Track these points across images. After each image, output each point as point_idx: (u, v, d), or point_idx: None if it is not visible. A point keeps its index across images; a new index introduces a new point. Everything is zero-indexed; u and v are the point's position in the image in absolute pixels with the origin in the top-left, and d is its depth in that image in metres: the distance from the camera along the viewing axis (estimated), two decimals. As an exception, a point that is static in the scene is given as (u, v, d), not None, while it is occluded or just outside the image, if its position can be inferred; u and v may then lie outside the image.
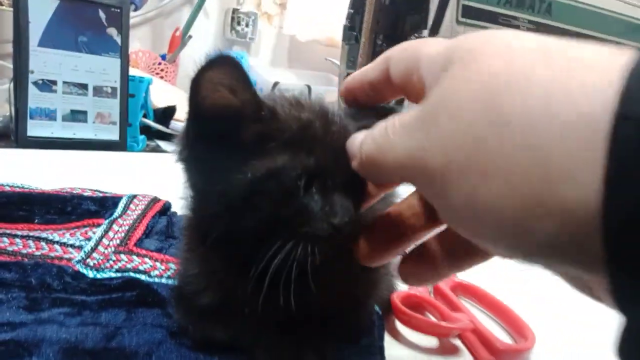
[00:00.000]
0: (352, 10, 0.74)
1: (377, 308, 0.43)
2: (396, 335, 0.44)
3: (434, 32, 0.56)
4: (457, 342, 0.44)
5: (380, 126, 0.26)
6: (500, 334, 0.45)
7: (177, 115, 1.38)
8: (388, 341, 0.42)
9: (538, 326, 0.45)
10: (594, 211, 0.16)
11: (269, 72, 1.88)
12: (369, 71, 0.31)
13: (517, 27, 0.60)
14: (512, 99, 0.19)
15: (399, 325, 0.45)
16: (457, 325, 0.43)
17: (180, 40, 1.69)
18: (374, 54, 0.62)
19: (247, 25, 1.94)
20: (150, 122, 1.32)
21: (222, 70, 0.29)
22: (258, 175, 0.30)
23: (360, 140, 0.28)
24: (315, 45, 2.03)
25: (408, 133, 0.23)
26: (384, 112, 0.31)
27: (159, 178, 0.65)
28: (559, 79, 0.18)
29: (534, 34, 0.21)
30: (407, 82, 0.28)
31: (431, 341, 0.44)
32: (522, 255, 0.20)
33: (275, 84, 1.74)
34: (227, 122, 0.31)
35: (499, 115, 0.19)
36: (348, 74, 0.72)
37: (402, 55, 0.28)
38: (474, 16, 0.60)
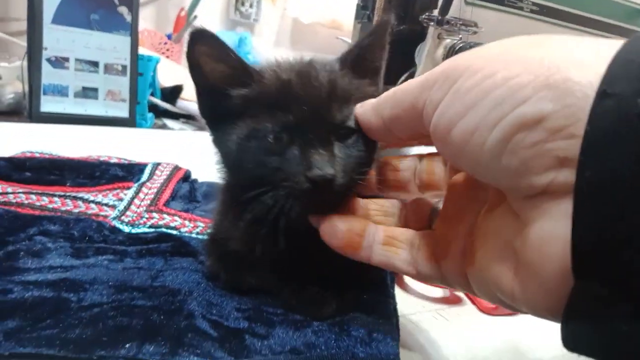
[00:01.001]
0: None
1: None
2: (405, 288, 0.49)
3: (443, 12, 0.59)
4: (461, 294, 0.48)
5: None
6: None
7: (183, 94, 1.41)
8: (397, 292, 0.47)
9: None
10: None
11: (272, 53, 1.90)
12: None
13: (521, 8, 0.63)
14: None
15: (407, 279, 0.50)
16: (461, 277, 0.47)
17: (185, 21, 1.70)
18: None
19: (251, 6, 1.96)
20: (158, 101, 1.35)
21: (205, 42, 0.34)
22: (242, 136, 0.35)
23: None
24: (318, 27, 2.05)
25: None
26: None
27: (169, 154, 0.69)
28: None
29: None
30: None
31: (437, 292, 0.48)
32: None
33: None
34: (222, 89, 0.35)
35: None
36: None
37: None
38: (482, -3, 0.64)
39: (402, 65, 0.66)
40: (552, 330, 0.44)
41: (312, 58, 0.38)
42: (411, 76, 0.64)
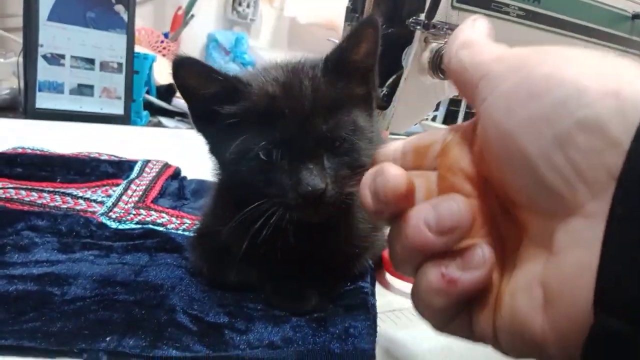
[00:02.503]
0: (354, -7, 0.79)
1: (370, 262, 0.49)
2: (386, 285, 0.50)
3: (430, 16, 0.60)
4: (441, 293, 0.49)
5: None
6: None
7: (178, 93, 1.41)
8: (378, 290, 0.48)
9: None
10: None
11: (268, 53, 1.91)
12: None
13: (507, 13, 0.64)
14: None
15: (389, 277, 0.51)
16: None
17: (182, 19, 1.71)
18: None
19: (248, 6, 1.96)
20: (153, 99, 1.36)
21: (188, 68, 0.36)
22: (233, 156, 0.36)
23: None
24: (315, 27, 2.05)
25: None
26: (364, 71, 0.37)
27: (162, 151, 0.70)
28: None
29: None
30: None
31: (417, 290, 0.49)
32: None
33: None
34: (212, 108, 0.36)
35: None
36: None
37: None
38: (468, 2, 0.65)
39: (390, 68, 0.67)
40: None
41: (300, 61, 0.39)
42: (398, 79, 0.65)
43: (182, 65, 0.36)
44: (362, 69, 0.38)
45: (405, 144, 0.30)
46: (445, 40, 0.61)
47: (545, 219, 0.23)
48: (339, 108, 0.36)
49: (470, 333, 0.27)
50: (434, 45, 0.62)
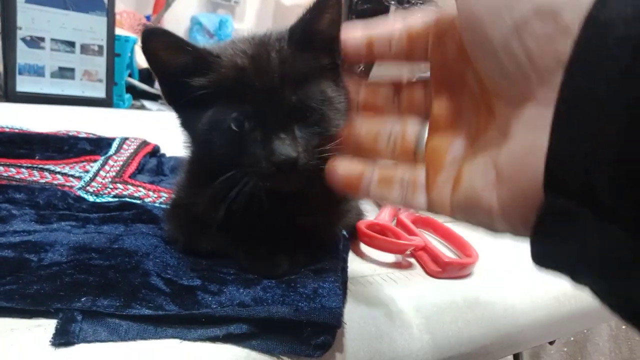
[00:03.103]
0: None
1: (344, 232, 0.50)
2: (360, 254, 0.51)
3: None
4: (411, 260, 0.51)
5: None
6: (449, 253, 0.52)
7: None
8: (352, 258, 0.49)
9: (484, 251, 0.52)
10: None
11: (253, 36, 1.90)
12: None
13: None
14: None
15: (363, 247, 0.52)
16: (410, 243, 0.50)
17: (164, 2, 1.70)
18: (349, 11, 0.67)
19: (231, -11, 1.95)
20: (135, 82, 1.36)
21: (157, 40, 0.36)
22: (205, 125, 0.37)
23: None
24: (299, 9, 2.04)
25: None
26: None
27: (145, 133, 0.70)
28: None
29: None
30: None
31: (389, 258, 0.51)
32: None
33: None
34: (182, 79, 0.37)
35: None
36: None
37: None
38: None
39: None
40: (493, 290, 0.47)
41: (266, 33, 0.40)
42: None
43: (152, 37, 0.36)
44: (327, 39, 0.39)
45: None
46: (418, 15, 0.62)
47: (506, 106, 0.26)
48: (307, 79, 0.37)
49: (429, 206, 0.32)
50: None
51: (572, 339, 1.42)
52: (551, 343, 1.13)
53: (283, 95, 0.36)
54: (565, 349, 1.43)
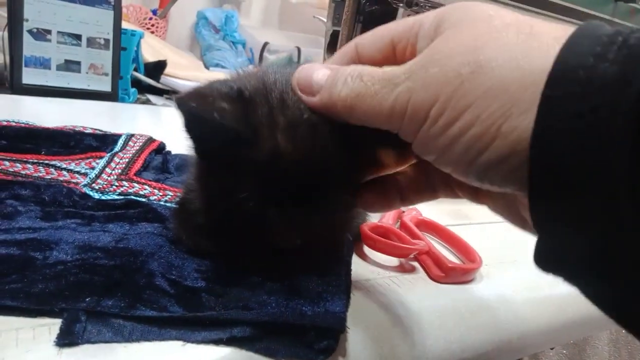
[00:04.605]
0: (340, -30, 0.79)
1: (348, 235, 0.50)
2: (363, 257, 0.51)
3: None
4: (415, 263, 0.51)
5: (350, 72, 0.29)
6: (452, 258, 0.52)
7: (167, 70, 1.41)
8: (356, 261, 0.49)
9: (487, 257, 0.52)
10: (527, 143, 0.22)
11: (259, 32, 1.90)
12: (369, 49, 0.32)
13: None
14: (489, 53, 0.24)
15: (367, 250, 0.52)
16: (414, 247, 0.50)
17: (171, -4, 1.69)
18: (357, 12, 0.67)
19: (238, -16, 1.95)
20: (141, 76, 1.35)
21: None
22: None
23: (323, 79, 0.31)
24: (305, 7, 2.04)
25: (393, 84, 0.27)
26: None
27: (151, 128, 0.70)
28: (524, 45, 0.24)
29: (510, 11, 0.27)
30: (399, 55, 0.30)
31: (393, 261, 0.51)
32: (476, 174, 0.26)
33: (265, 44, 1.76)
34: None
35: (477, 63, 0.24)
36: (334, 31, 0.77)
37: (406, 31, 0.30)
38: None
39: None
40: (496, 296, 0.47)
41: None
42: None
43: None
44: None
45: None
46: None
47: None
48: None
49: None
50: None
51: (571, 342, 1.42)
52: (551, 347, 1.14)
53: None
54: (565, 352, 1.43)
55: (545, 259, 0.25)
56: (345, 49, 0.34)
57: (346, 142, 0.33)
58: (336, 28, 0.71)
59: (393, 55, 0.31)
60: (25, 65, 1.12)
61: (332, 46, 0.72)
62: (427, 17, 0.29)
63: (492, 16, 0.26)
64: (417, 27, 0.29)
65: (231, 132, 0.32)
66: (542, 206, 0.23)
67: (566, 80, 0.21)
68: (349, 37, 0.66)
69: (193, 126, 0.34)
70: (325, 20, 0.76)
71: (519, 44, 0.24)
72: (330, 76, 0.31)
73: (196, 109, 0.32)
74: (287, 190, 0.34)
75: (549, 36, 0.24)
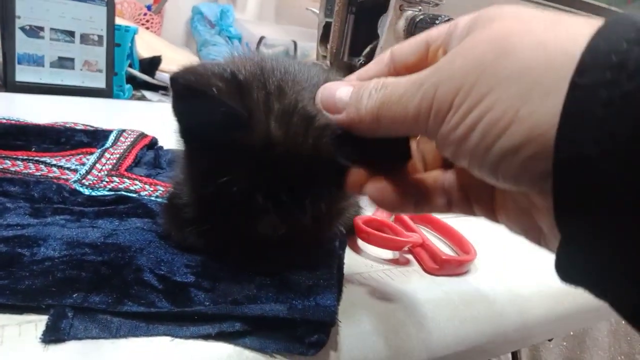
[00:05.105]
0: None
1: (341, 228, 0.50)
2: (357, 251, 0.51)
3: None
4: (409, 256, 0.50)
5: (374, 84, 0.29)
6: (446, 250, 0.52)
7: (162, 66, 1.40)
8: (349, 255, 0.49)
9: (482, 248, 0.51)
10: (551, 133, 0.21)
11: (255, 26, 1.89)
12: (370, 69, 0.33)
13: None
14: (514, 39, 0.24)
15: (361, 243, 0.52)
16: (408, 240, 0.49)
17: (165, -8, 1.68)
18: (349, 3, 0.66)
19: (233, -22, 1.93)
20: (136, 72, 1.34)
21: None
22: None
23: (347, 95, 0.30)
24: (302, 0, 2.03)
25: (418, 84, 0.27)
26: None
27: (145, 124, 0.70)
28: (551, 33, 0.23)
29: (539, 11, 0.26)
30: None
31: (386, 254, 0.50)
32: (491, 165, 0.25)
33: (261, 38, 1.75)
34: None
35: (502, 49, 0.24)
36: (326, 23, 0.76)
37: (441, 33, 0.30)
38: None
39: (367, 37, 0.67)
40: (491, 288, 0.46)
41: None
42: (374, 49, 0.65)
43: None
44: None
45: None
46: (420, 7, 0.61)
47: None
48: None
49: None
50: (409, 13, 0.62)
51: (571, 333, 1.42)
52: (550, 339, 1.13)
53: None
54: (565, 344, 1.43)
55: (569, 266, 0.24)
56: (381, 56, 0.34)
57: (341, 138, 0.32)
58: (328, 19, 0.70)
59: (426, 58, 0.31)
60: (19, 63, 1.11)
61: (324, 38, 0.71)
62: (463, 19, 0.28)
63: (521, 12, 0.26)
64: (452, 29, 0.29)
65: (227, 110, 0.31)
66: (567, 199, 0.22)
67: (597, 65, 0.20)
68: (341, 29, 0.65)
69: (187, 101, 0.33)
70: (317, 12, 0.75)
71: (547, 31, 0.23)
72: (354, 92, 0.30)
73: (194, 82, 0.31)
74: (275, 177, 0.33)
75: (579, 25, 0.23)
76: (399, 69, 0.32)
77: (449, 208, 0.33)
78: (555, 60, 0.22)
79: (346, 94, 0.31)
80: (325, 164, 0.33)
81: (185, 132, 0.36)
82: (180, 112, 0.34)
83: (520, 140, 0.22)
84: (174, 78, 0.31)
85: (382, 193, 0.32)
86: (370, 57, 0.66)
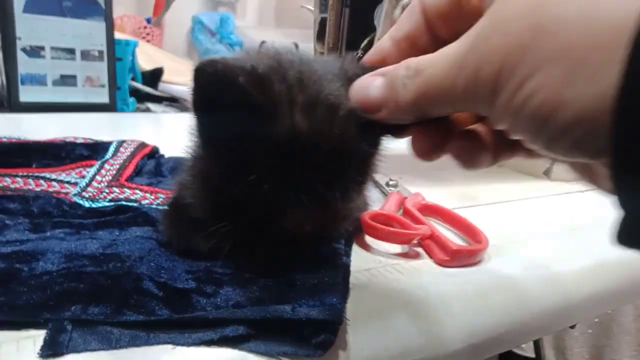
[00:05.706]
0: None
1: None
2: (364, 246, 0.49)
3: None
4: (419, 249, 0.49)
5: (404, 74, 0.28)
6: (457, 241, 0.50)
7: (164, 77, 1.40)
8: (357, 251, 0.48)
9: (494, 236, 0.50)
10: (607, 106, 0.20)
11: (256, 32, 1.89)
12: (402, 25, 0.33)
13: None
14: (552, 11, 0.22)
15: (368, 239, 0.50)
16: (416, 232, 0.48)
17: (164, 3, 1.69)
18: (342, -3, 0.65)
19: (230, -14, 1.94)
20: (139, 85, 1.35)
21: None
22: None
23: (380, 92, 0.30)
24: (300, 2, 2.03)
25: (459, 67, 0.26)
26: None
27: (151, 135, 0.70)
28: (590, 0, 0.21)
29: None
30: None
31: (395, 249, 0.49)
32: (543, 144, 0.24)
33: (262, 43, 1.75)
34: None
35: (538, 26, 0.22)
36: (322, 19, 0.75)
37: None
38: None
39: (364, 29, 0.66)
40: (505, 277, 0.45)
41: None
42: (371, 41, 0.64)
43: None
44: None
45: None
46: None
47: None
48: None
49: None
50: (405, 1, 0.60)
51: (596, 320, 1.39)
52: (572, 327, 1.10)
53: None
54: (590, 331, 1.40)
55: (632, 234, 0.22)
56: (411, 6, 0.33)
57: (366, 125, 0.32)
58: (323, 15, 0.69)
59: (459, 4, 0.30)
60: (22, 83, 1.12)
61: (321, 34, 0.70)
62: None
63: None
64: None
65: (253, 103, 0.30)
66: (629, 177, 0.21)
67: None
68: (337, 23, 0.64)
69: (211, 93, 0.31)
70: (312, 9, 0.74)
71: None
72: (387, 86, 0.30)
73: (222, 70, 0.30)
74: (304, 170, 0.32)
75: None
76: (432, 20, 0.31)
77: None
78: (602, 37, 0.20)
79: (379, 92, 0.30)
80: (351, 153, 0.33)
81: (207, 128, 0.35)
82: (203, 105, 0.33)
83: (566, 124, 0.22)
84: (200, 68, 0.30)
85: (464, 150, 0.32)
86: (368, 49, 0.65)
